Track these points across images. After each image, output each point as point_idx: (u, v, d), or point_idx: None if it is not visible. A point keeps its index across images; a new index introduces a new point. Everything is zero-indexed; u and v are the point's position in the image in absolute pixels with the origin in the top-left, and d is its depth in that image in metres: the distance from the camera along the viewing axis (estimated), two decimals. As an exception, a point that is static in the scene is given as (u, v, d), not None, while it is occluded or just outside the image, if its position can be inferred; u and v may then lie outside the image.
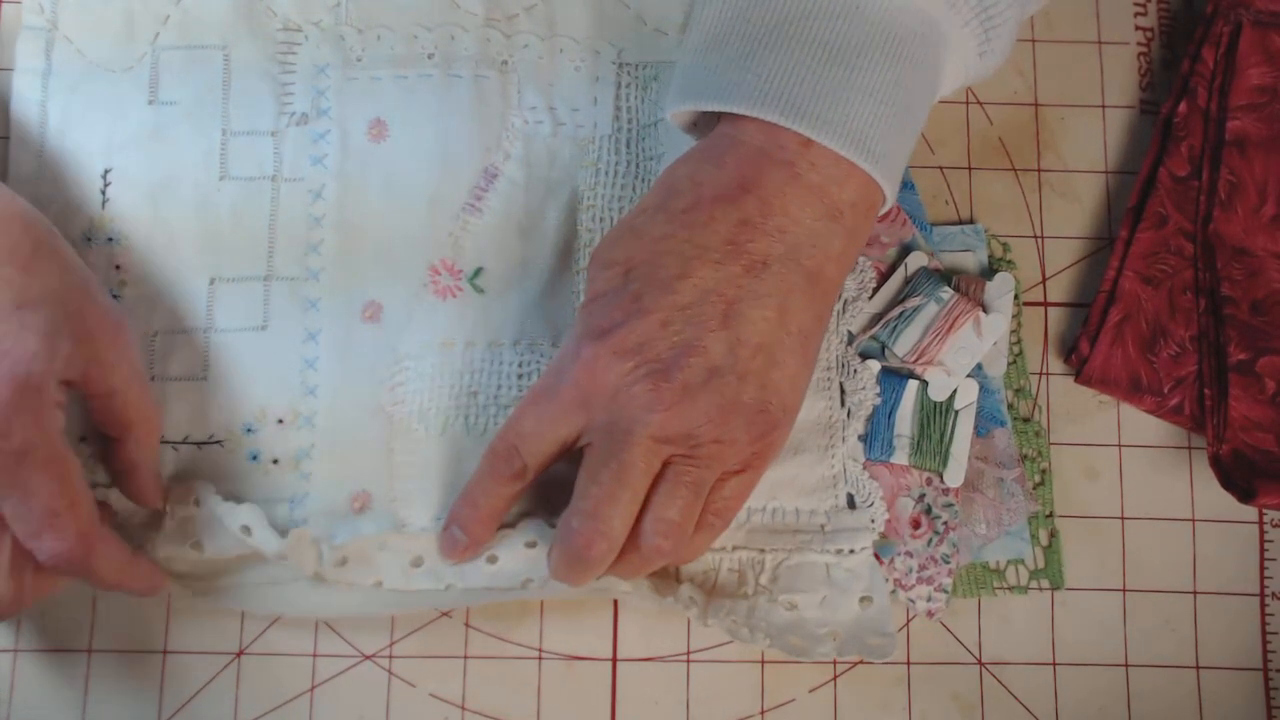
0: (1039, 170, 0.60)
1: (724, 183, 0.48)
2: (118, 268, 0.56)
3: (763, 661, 0.55)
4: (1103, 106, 0.61)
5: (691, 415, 0.47)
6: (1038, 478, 0.57)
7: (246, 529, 0.51)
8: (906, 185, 0.59)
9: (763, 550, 0.54)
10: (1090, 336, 0.57)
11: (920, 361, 0.56)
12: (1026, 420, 0.57)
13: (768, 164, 0.48)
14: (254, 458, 0.55)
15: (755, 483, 0.50)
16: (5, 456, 0.46)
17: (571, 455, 0.50)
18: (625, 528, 0.48)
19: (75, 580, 0.49)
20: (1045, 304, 0.59)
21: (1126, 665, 0.56)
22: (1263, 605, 0.57)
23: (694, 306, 0.47)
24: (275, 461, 0.55)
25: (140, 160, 0.57)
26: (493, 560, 0.52)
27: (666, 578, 0.54)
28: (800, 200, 0.48)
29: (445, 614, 0.55)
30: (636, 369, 0.47)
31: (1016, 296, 0.58)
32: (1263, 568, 0.57)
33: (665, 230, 0.48)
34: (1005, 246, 0.59)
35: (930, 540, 0.55)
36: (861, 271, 0.57)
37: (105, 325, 0.50)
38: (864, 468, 0.55)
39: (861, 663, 0.55)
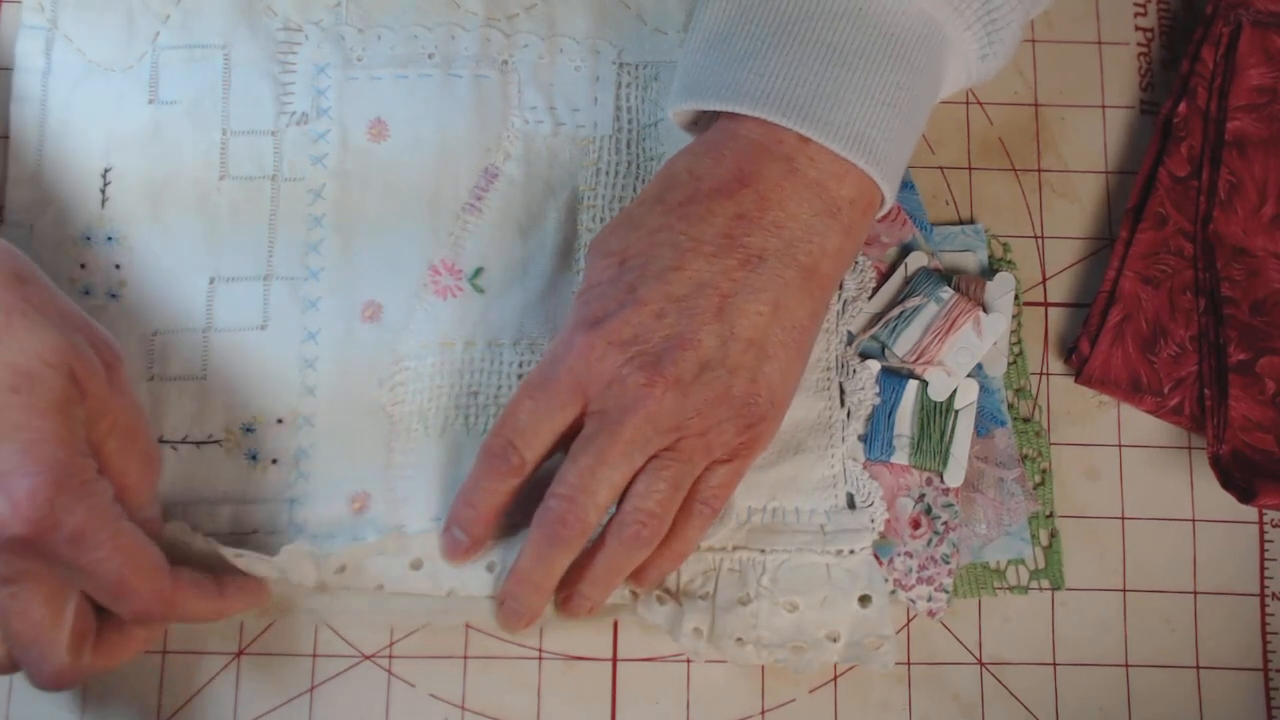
0: (1039, 170, 0.60)
1: (721, 176, 0.49)
2: (117, 267, 0.56)
3: (763, 661, 0.55)
4: (1103, 106, 0.61)
5: (682, 408, 0.47)
6: (1038, 478, 0.57)
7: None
8: (906, 185, 0.59)
9: (763, 551, 0.54)
10: (1090, 336, 0.57)
11: (920, 361, 0.56)
12: (1026, 420, 0.57)
13: (766, 158, 0.48)
14: (253, 457, 0.55)
15: (743, 471, 0.51)
16: (60, 545, 0.44)
17: (568, 447, 0.50)
18: (599, 514, 0.48)
19: (135, 654, 0.49)
20: (1045, 304, 0.59)
21: (1126, 665, 0.56)
22: (1263, 605, 0.57)
23: (689, 299, 0.48)
24: (275, 461, 0.55)
25: (140, 159, 0.57)
26: (491, 569, 0.52)
27: (671, 591, 0.54)
28: (798, 195, 0.48)
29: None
30: (631, 360, 0.47)
31: (1016, 296, 0.58)
32: (1263, 568, 0.57)
33: (661, 222, 0.49)
34: (1005, 246, 0.59)
35: (930, 540, 0.55)
36: (861, 271, 0.57)
37: (96, 375, 0.46)
38: (864, 468, 0.55)
39: (862, 663, 0.55)
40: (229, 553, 0.50)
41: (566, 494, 0.48)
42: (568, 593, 0.51)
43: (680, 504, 0.50)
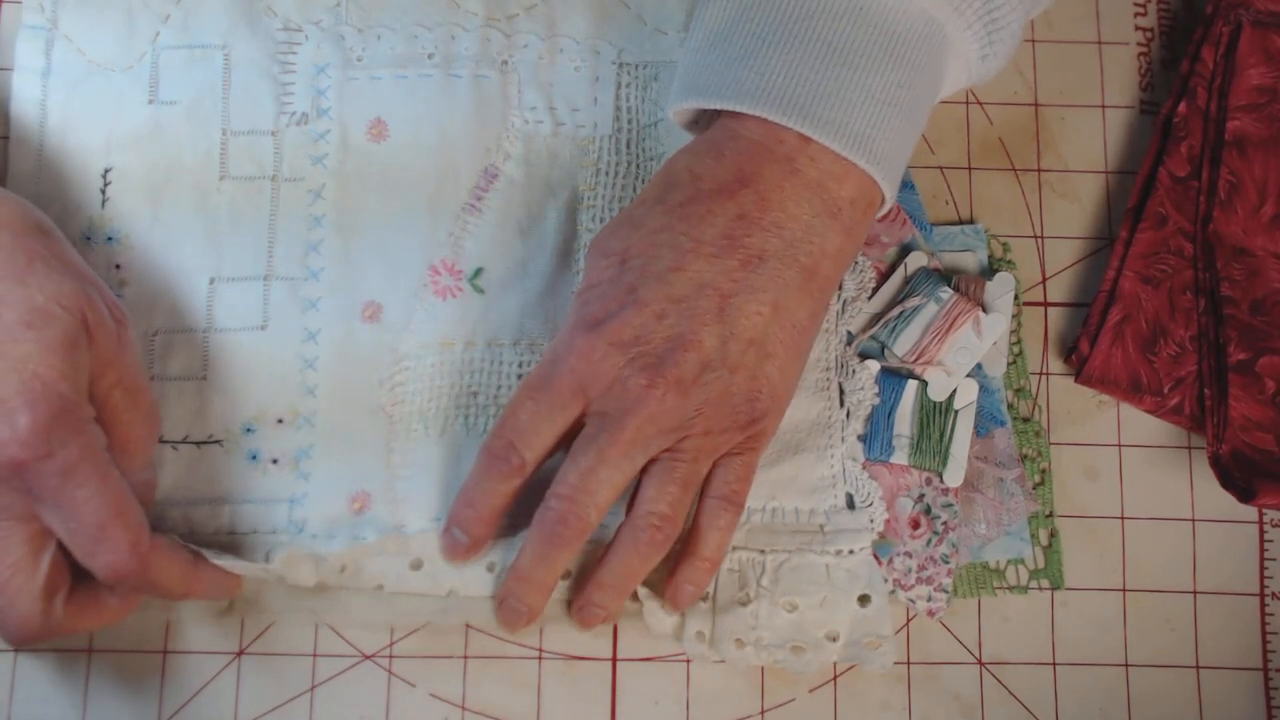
0: (1039, 170, 0.60)
1: (722, 176, 0.49)
2: (117, 267, 0.56)
3: (763, 661, 0.55)
4: (1103, 106, 0.61)
5: (683, 409, 0.48)
6: (1038, 478, 0.57)
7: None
8: (906, 185, 0.59)
9: (763, 551, 0.54)
10: (1090, 336, 0.57)
11: (920, 361, 0.56)
12: (1026, 420, 0.57)
13: (767, 159, 0.48)
14: (253, 457, 0.55)
15: (754, 465, 0.51)
16: (50, 476, 0.45)
17: (568, 448, 0.50)
18: (599, 514, 0.49)
19: (105, 623, 0.50)
20: (1045, 304, 0.59)
21: (1126, 665, 0.56)
22: (1263, 605, 0.57)
23: (689, 299, 0.48)
24: (275, 461, 0.55)
25: (140, 160, 0.57)
26: (491, 569, 0.52)
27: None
28: (798, 196, 0.48)
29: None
30: (632, 361, 0.47)
31: (1016, 296, 0.58)
32: (1263, 568, 0.57)
33: (662, 222, 0.49)
34: (1005, 246, 0.59)
35: (929, 540, 0.55)
36: (861, 271, 0.57)
37: (106, 327, 0.48)
38: (863, 468, 0.55)
39: (861, 663, 0.55)
40: (210, 554, 0.50)
41: (567, 494, 0.48)
42: (581, 603, 0.51)
43: (690, 505, 0.50)
